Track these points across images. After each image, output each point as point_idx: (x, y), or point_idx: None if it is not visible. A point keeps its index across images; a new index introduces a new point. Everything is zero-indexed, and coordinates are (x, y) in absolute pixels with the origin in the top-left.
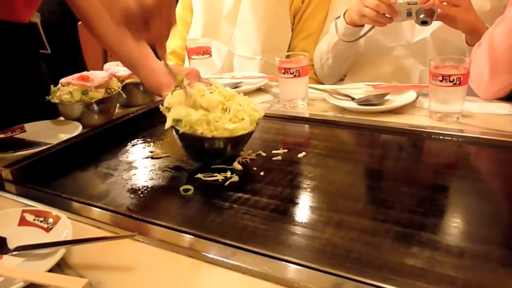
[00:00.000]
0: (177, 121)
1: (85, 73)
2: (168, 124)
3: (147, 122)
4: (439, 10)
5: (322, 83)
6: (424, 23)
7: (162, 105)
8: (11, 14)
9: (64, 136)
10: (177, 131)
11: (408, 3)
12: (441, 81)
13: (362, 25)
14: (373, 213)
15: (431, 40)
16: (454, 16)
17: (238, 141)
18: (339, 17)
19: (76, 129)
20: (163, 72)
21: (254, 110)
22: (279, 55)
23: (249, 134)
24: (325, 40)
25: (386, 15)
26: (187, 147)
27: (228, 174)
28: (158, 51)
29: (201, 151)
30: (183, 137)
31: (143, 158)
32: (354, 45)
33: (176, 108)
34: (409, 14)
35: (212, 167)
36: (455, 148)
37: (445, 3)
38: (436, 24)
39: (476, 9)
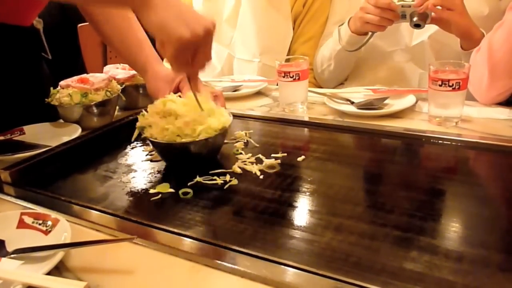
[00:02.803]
0: (143, 128)
1: (84, 75)
2: (135, 135)
3: None
4: (433, 14)
5: (322, 87)
6: (417, 26)
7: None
8: (13, 17)
9: (63, 139)
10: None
11: (402, 6)
12: (440, 85)
13: (366, 33)
14: (372, 217)
15: (429, 43)
16: (448, 20)
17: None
18: (342, 24)
19: (76, 131)
20: (162, 78)
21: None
22: (278, 59)
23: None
24: (327, 47)
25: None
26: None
27: (227, 177)
28: (192, 83)
29: (166, 155)
30: (151, 142)
31: (142, 161)
32: (357, 53)
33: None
34: (403, 17)
35: (211, 171)
36: (454, 153)
37: (439, 7)
38: (433, 27)
39: (473, 14)
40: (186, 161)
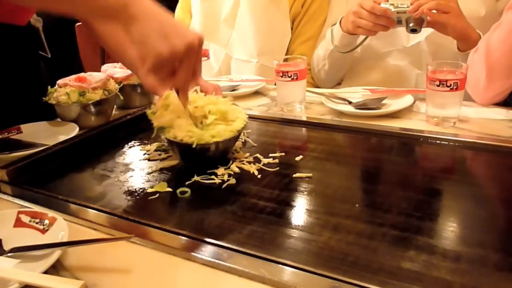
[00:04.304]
0: (162, 128)
1: (82, 74)
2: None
3: (144, 124)
4: (428, 18)
5: (319, 87)
6: (413, 31)
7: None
8: (8, 16)
9: (60, 138)
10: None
11: (398, 12)
12: (438, 86)
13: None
14: (370, 216)
15: (426, 44)
16: (444, 23)
17: (219, 147)
18: (335, 24)
19: (73, 130)
20: None
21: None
22: (276, 58)
23: (233, 139)
24: (322, 47)
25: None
26: (176, 152)
27: (225, 177)
28: (181, 98)
29: (187, 156)
30: (169, 142)
31: (140, 160)
32: (351, 53)
33: (160, 115)
34: (399, 22)
35: (209, 171)
36: (451, 153)
37: (434, 11)
38: (430, 28)
39: (470, 15)
40: (207, 160)
